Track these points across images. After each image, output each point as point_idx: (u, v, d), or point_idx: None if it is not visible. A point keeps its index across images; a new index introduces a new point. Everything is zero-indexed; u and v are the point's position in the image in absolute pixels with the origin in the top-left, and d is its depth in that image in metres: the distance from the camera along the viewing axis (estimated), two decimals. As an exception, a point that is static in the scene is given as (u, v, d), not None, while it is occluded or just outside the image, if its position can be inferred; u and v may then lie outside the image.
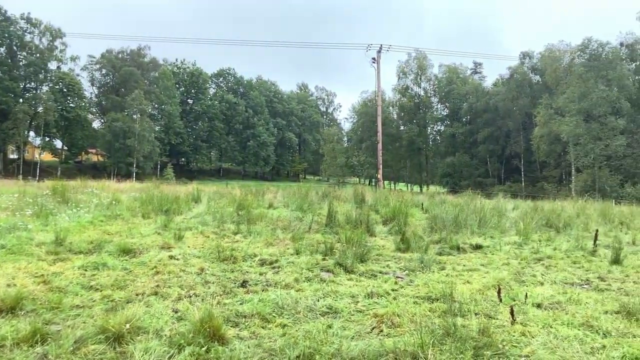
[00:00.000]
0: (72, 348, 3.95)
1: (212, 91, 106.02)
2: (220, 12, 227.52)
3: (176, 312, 5.04)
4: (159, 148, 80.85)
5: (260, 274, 6.81)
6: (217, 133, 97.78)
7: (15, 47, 71.17)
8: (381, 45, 41.03)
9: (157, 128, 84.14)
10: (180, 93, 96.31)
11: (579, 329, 4.77)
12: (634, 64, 59.21)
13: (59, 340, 4.08)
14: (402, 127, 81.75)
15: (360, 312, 5.27)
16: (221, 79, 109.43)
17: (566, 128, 52.37)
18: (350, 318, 5.06)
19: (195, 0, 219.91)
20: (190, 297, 5.64)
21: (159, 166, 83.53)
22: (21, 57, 72.15)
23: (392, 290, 6.18)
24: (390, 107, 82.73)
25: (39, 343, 4.06)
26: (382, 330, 4.68)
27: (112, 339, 4.15)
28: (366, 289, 6.12)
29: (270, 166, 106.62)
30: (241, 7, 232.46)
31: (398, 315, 5.03)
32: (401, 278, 6.91)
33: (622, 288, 6.68)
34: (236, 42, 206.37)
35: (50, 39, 74.49)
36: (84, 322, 4.61)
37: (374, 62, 41.41)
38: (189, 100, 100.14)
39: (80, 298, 5.42)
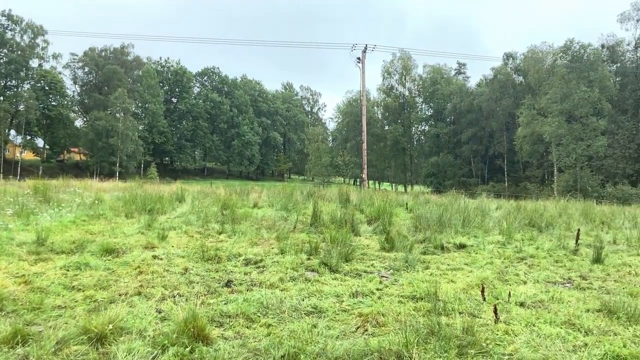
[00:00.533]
0: (54, 349, 3.91)
1: (196, 90, 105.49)
2: (205, 11, 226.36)
3: (160, 312, 5.01)
4: (142, 147, 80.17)
5: (245, 274, 6.79)
6: (202, 132, 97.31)
7: (-5, 45, 70.01)
8: (366, 45, 41.10)
9: (140, 127, 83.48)
10: (164, 92, 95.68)
11: (561, 327, 4.83)
12: (615, 66, 60.09)
13: (40, 341, 4.04)
14: (386, 127, 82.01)
15: (345, 311, 5.28)
16: (205, 78, 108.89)
17: (548, 128, 52.98)
18: (335, 317, 5.06)
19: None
20: (174, 297, 5.60)
21: (142, 165, 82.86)
22: (1, 54, 70.98)
23: (377, 289, 6.20)
24: (375, 107, 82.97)
25: (20, 344, 4.02)
26: (366, 330, 4.69)
27: (94, 339, 4.12)
28: (351, 289, 6.13)
29: (255, 166, 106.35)
30: (226, 7, 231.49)
31: (383, 315, 5.04)
32: (386, 277, 6.93)
33: (603, 287, 6.77)
34: (220, 41, 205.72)
35: (32, 36, 73.37)
36: (66, 323, 4.57)
37: (358, 62, 41.47)
38: (173, 99, 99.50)
39: (62, 298, 5.36)
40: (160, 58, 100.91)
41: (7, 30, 71.39)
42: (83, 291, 5.65)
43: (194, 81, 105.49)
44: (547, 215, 14.17)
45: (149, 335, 4.30)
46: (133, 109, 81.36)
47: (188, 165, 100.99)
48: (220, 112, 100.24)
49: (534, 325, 4.86)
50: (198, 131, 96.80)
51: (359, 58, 41.56)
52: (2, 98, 69.01)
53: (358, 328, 4.74)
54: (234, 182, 68.83)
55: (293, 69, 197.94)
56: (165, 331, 4.36)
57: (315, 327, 4.68)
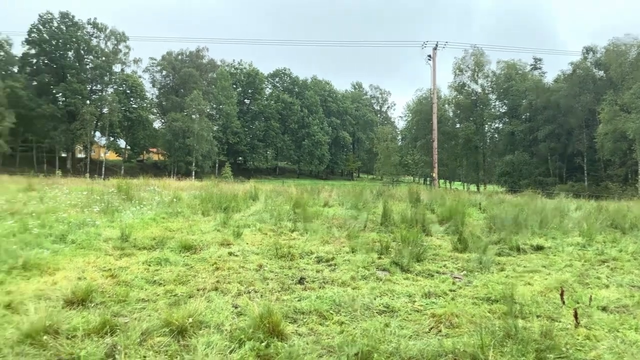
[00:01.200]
0: (139, 339, 4.12)
1: (268, 91, 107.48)
2: (276, 14, 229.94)
3: (236, 307, 5.17)
4: (217, 147, 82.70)
5: (317, 271, 6.88)
6: (273, 132, 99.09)
7: (82, 51, 74.51)
8: (437, 42, 40.48)
9: (215, 127, 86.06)
10: (237, 93, 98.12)
11: (648, 335, 4.57)
12: None
13: (126, 331, 4.27)
14: (458, 125, 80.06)
15: (418, 311, 5.24)
16: (277, 79, 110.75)
17: (632, 125, 49.90)
18: (407, 317, 5.04)
19: (253, 3, 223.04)
20: (250, 293, 5.76)
21: (217, 165, 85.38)
22: (88, 60, 75.45)
23: (450, 290, 6.11)
24: (446, 105, 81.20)
25: (109, 334, 4.25)
26: (440, 331, 4.64)
27: (176, 332, 4.31)
28: (423, 289, 6.07)
29: (324, 165, 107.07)
30: (297, 9, 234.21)
31: (457, 316, 4.97)
32: (459, 278, 6.82)
33: (696, 293, 6.34)
34: (292, 43, 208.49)
35: (115, 42, 77.75)
36: (149, 315, 4.80)
37: (429, 60, 40.87)
38: (245, 100, 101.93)
39: (145, 292, 5.63)
40: (234, 60, 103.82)
41: (92, 38, 75.86)
42: (164, 285, 5.92)
43: (266, 82, 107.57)
44: (631, 216, 13.39)
45: (226, 330, 4.45)
46: (208, 110, 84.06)
47: (260, 165, 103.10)
48: (291, 112, 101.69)
49: (617, 331, 4.64)
50: (270, 131, 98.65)
51: (429, 55, 40.96)
52: (88, 102, 73.28)
53: (431, 329, 4.70)
54: (305, 181, 69.60)
55: (362, 69, 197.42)
56: (241, 326, 4.50)
57: (387, 326, 4.69)
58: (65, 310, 4.80)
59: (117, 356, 3.83)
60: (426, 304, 5.46)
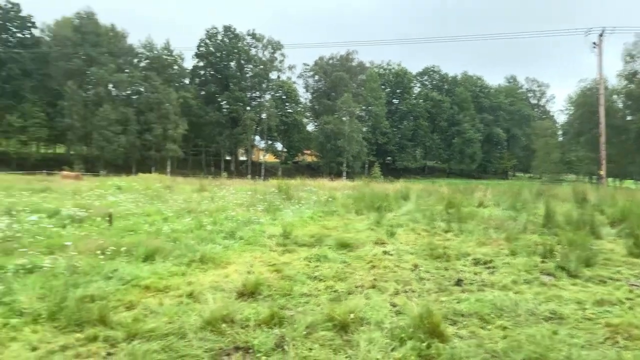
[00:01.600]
0: (304, 332, 4.36)
1: (416, 90, 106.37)
2: (422, 11, 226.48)
3: (394, 306, 5.23)
4: (366, 148, 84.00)
5: (475, 274, 6.70)
6: (422, 131, 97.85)
7: (242, 61, 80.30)
8: (603, 28, 36.92)
9: (364, 129, 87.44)
10: (386, 94, 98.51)
11: None
12: None
13: (293, 324, 4.54)
14: (629, 117, 72.34)
15: (589, 320, 4.87)
16: (425, 77, 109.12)
17: None
18: (577, 326, 4.71)
19: (397, 2, 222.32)
20: (407, 292, 5.80)
21: (366, 165, 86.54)
22: (247, 69, 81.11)
23: (627, 299, 5.58)
24: (614, 96, 73.78)
25: (277, 325, 4.55)
26: (617, 342, 4.27)
27: (338, 327, 4.48)
28: (594, 296, 5.63)
29: (476, 163, 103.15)
30: (447, 5, 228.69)
31: (636, 327, 4.54)
32: (636, 286, 6.20)
33: None
34: (441, 39, 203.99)
35: (272, 51, 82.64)
36: (312, 310, 5.04)
37: (594, 47, 37.47)
38: (394, 100, 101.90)
39: (307, 287, 5.93)
40: (382, 61, 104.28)
41: (251, 48, 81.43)
42: (324, 281, 6.18)
43: (415, 81, 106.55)
44: None
45: (386, 328, 4.52)
46: (358, 112, 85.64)
47: (409, 164, 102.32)
48: (441, 110, 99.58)
49: None
50: (419, 130, 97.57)
51: (594, 43, 37.55)
52: (248, 108, 78.73)
53: (607, 339, 4.34)
54: (455, 180, 67.78)
55: (516, 61, 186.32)
56: (401, 325, 4.54)
57: (556, 333, 4.42)
58: (237, 301, 5.23)
59: (285, 347, 4.09)
60: (599, 313, 5.05)
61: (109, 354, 3.93)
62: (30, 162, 58.72)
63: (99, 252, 6.64)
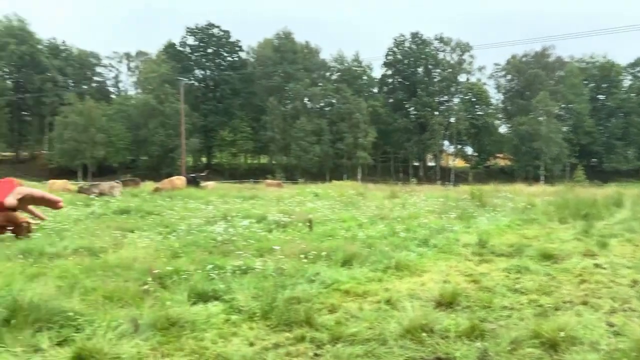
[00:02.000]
0: (509, 348, 4.13)
1: (626, 83, 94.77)
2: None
3: (611, 325, 4.70)
4: (567, 149, 77.43)
5: None
6: (635, 129, 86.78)
7: (430, 66, 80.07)
8: None
9: (564, 128, 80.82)
10: (589, 89, 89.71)
11: None
12: None
13: (495, 338, 4.32)
14: None
15: None
16: (638, 69, 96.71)
17: None
18: None
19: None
20: (625, 311, 5.18)
21: (567, 168, 79.78)
22: (435, 74, 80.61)
23: None
24: None
25: (478, 338, 4.37)
26: None
27: (546, 345, 4.16)
28: None
29: None
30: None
31: None
32: None
33: None
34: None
35: (460, 53, 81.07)
36: (515, 324, 4.75)
37: None
38: (599, 96, 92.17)
39: (508, 300, 5.61)
40: (583, 54, 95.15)
41: (439, 52, 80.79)
42: (526, 294, 5.80)
43: (624, 73, 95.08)
44: None
45: (602, 349, 4.08)
46: (556, 111, 79.54)
47: (619, 166, 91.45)
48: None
49: None
50: (631, 128, 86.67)
51: None
52: (436, 113, 78.07)
53: None
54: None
55: None
56: (620, 347, 4.07)
57: None
58: (435, 310, 5.16)
59: (488, 361, 3.92)
60: None
61: (315, 354, 4.14)
62: (239, 172, 65.92)
63: (302, 255, 7.08)
